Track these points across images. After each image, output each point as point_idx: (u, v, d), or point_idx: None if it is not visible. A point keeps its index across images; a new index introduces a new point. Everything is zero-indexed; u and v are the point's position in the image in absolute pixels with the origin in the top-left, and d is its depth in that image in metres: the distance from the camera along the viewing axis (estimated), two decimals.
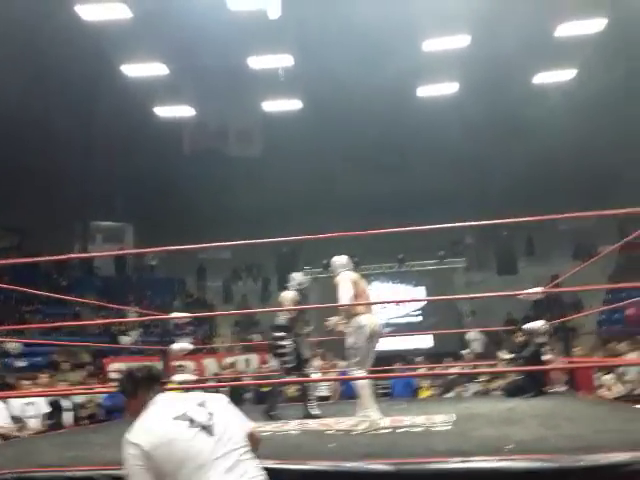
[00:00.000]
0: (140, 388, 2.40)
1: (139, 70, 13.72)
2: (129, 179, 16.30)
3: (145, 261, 18.72)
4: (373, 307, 5.22)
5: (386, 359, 9.27)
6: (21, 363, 10.68)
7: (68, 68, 12.62)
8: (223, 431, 2.25)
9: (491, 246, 17.16)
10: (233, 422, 2.33)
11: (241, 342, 12.95)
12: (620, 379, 7.96)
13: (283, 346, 5.76)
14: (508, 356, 7.29)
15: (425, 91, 14.97)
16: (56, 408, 7.39)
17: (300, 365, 5.83)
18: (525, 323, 7.18)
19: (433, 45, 13.16)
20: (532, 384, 6.43)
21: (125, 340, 13.03)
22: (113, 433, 2.27)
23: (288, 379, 5.94)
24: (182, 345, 6.86)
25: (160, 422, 2.25)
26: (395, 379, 9.27)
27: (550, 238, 15.92)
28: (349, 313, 4.87)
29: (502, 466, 2.92)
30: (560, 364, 7.07)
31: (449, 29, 12.68)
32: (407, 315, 15.42)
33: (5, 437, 6.07)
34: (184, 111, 15.72)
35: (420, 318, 15.30)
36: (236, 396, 8.46)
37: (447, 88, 14.85)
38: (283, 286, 6.10)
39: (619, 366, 8.02)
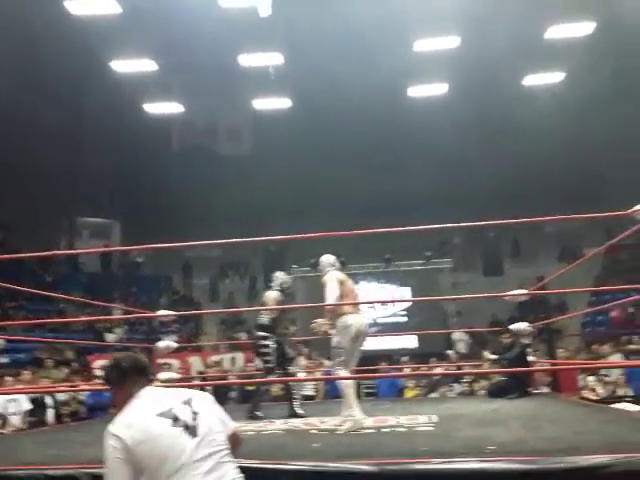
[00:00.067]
0: (126, 379, 2.36)
1: (128, 66, 13.64)
2: (117, 175, 16.22)
3: (131, 258, 18.62)
4: (360, 307, 5.23)
5: (372, 359, 9.31)
6: (3, 359, 10.57)
7: (56, 63, 12.52)
8: (206, 432, 2.23)
9: (477, 247, 17.25)
10: (216, 423, 2.31)
11: (227, 340, 12.91)
12: (603, 381, 8.04)
13: (266, 345, 5.76)
14: (492, 356, 7.32)
15: (415, 91, 15.02)
16: (38, 405, 7.34)
17: (283, 365, 5.83)
18: (510, 324, 7.23)
19: (423, 45, 13.21)
20: (516, 385, 6.47)
21: (110, 337, 12.95)
22: (95, 431, 2.25)
23: (272, 378, 5.93)
24: (167, 343, 6.82)
25: (144, 417, 2.22)
26: (380, 379, 9.30)
27: (536, 240, 16.04)
28: (335, 313, 4.88)
29: (483, 467, 2.94)
30: (543, 366, 7.12)
31: (440, 30, 12.73)
32: (393, 315, 15.44)
33: None
34: (173, 108, 15.65)
35: (406, 318, 15.33)
36: (221, 395, 8.45)
37: (437, 89, 14.90)
38: (268, 285, 6.09)
39: (602, 368, 8.10)
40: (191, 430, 2.21)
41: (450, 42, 13.14)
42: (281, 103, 15.33)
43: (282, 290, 5.97)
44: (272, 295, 5.91)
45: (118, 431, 2.19)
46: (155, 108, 15.48)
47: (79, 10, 11.59)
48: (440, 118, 14.31)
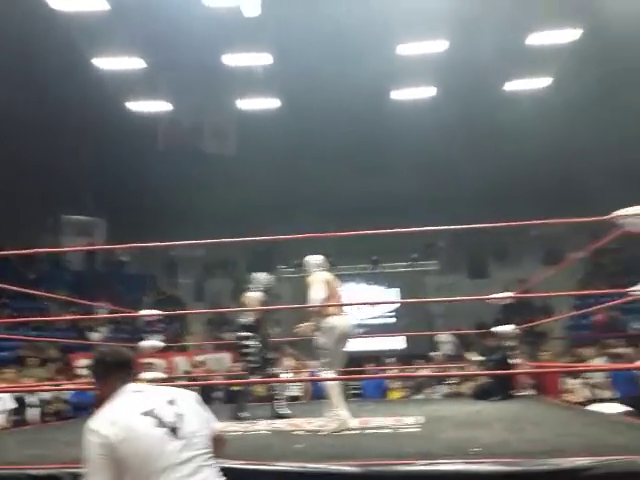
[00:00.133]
0: (110, 374, 2.34)
1: (113, 63, 13.55)
2: (102, 173, 16.07)
3: (116, 257, 18.50)
4: (344, 308, 5.24)
5: (358, 360, 9.33)
6: None
7: (40, 59, 12.36)
8: (189, 435, 2.21)
9: (463, 250, 17.34)
10: (200, 425, 2.29)
11: (212, 340, 12.87)
12: (586, 384, 8.11)
13: (248, 346, 5.76)
14: (477, 358, 7.38)
15: (402, 94, 15.06)
16: (22, 404, 7.27)
17: (265, 365, 5.82)
18: (495, 326, 7.28)
19: (411, 49, 13.25)
20: (500, 387, 6.52)
21: (94, 336, 12.86)
22: (79, 430, 2.22)
23: (258, 379, 5.93)
24: (152, 343, 6.80)
25: (127, 415, 2.19)
26: (366, 380, 9.32)
27: (521, 243, 16.14)
28: (320, 314, 4.89)
29: (467, 469, 2.96)
30: (527, 368, 7.18)
31: (427, 33, 12.78)
32: (380, 316, 15.50)
33: None
34: (159, 106, 15.55)
35: (393, 320, 15.39)
36: (206, 395, 8.42)
37: (423, 92, 14.96)
38: (248, 287, 6.08)
39: (585, 371, 8.17)
40: (174, 432, 2.18)
41: (437, 46, 13.19)
42: (267, 103, 15.30)
43: (264, 290, 5.97)
44: (255, 295, 5.91)
45: (100, 427, 2.15)
46: (140, 106, 15.36)
47: (63, 6, 11.47)
48: (427, 121, 14.36)
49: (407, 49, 13.17)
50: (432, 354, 11.27)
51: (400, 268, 15.23)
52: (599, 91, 13.49)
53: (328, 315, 4.83)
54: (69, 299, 9.37)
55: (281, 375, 8.54)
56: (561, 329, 14.33)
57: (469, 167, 15.28)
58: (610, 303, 8.28)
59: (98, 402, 2.40)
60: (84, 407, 7.50)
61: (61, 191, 16.31)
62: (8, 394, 6.83)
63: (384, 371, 9.72)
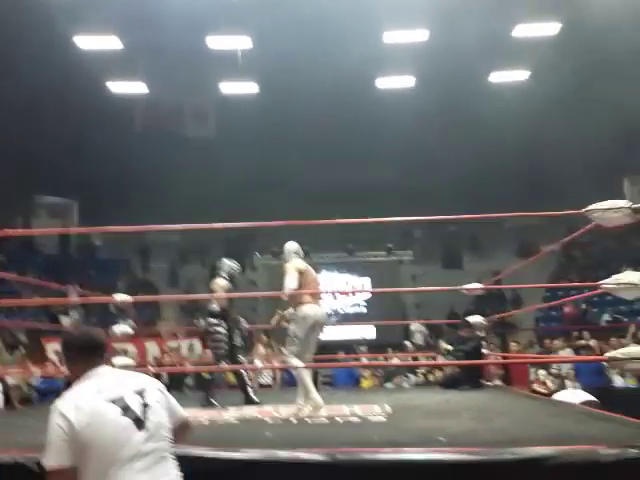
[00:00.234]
0: (80, 356, 2.30)
1: (92, 42, 13.30)
2: (77, 154, 15.81)
3: (89, 240, 18.24)
4: (319, 297, 5.24)
5: (330, 348, 9.37)
6: None
7: (16, 36, 12.11)
8: (153, 427, 2.19)
9: (438, 240, 17.48)
10: (165, 417, 2.28)
11: (185, 327, 12.80)
12: (553, 374, 8.27)
13: (217, 332, 5.74)
14: (448, 347, 7.46)
15: (383, 82, 15.06)
16: None
17: (233, 352, 5.82)
18: (466, 317, 7.36)
19: (392, 37, 13.23)
20: (469, 377, 6.60)
21: (65, 320, 12.70)
22: (45, 417, 2.20)
23: (225, 366, 5.91)
24: (123, 328, 6.73)
25: (93, 400, 2.16)
26: (337, 368, 9.36)
27: (495, 234, 16.32)
28: (294, 302, 4.89)
29: (432, 458, 3.00)
30: (497, 359, 7.28)
31: (409, 22, 12.76)
32: (354, 305, 15.57)
33: None
34: (137, 87, 15.32)
35: (365, 309, 15.48)
36: (177, 382, 8.39)
37: (404, 81, 14.97)
38: (216, 272, 6.03)
39: (553, 362, 8.32)
40: (139, 423, 2.17)
41: (419, 35, 13.20)
42: (248, 87, 15.19)
43: (230, 277, 5.94)
44: (221, 283, 5.87)
45: (66, 410, 2.13)
46: (118, 87, 15.13)
47: None
48: (406, 110, 14.39)
49: (391, 37, 13.16)
50: (404, 343, 11.35)
51: (375, 257, 15.28)
52: (577, 84, 13.66)
53: (302, 304, 4.83)
54: (40, 282, 9.22)
55: (254, 362, 8.55)
56: (531, 321, 14.55)
57: (446, 157, 15.38)
58: (580, 296, 8.43)
59: (67, 385, 2.37)
60: (52, 392, 7.41)
61: (34, 172, 16.01)
62: None
63: (357, 359, 9.77)
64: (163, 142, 15.31)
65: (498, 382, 7.36)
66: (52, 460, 2.11)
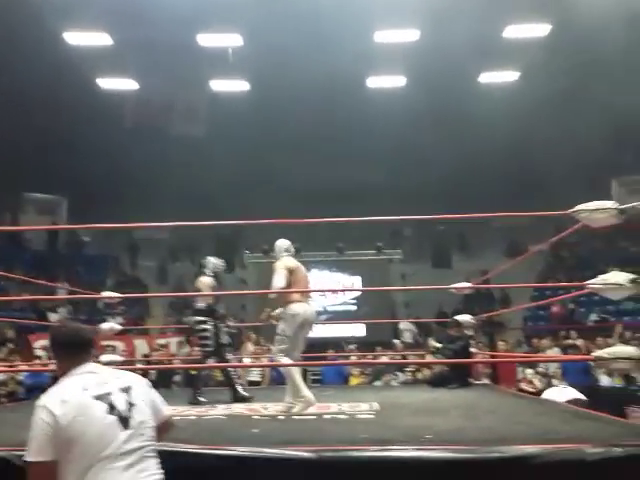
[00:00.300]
0: (67, 353, 2.30)
1: (82, 39, 13.22)
2: (66, 150, 15.70)
3: (78, 237, 18.13)
4: (309, 295, 5.23)
5: (319, 346, 9.37)
6: None
7: (5, 33, 12.01)
8: (137, 426, 2.20)
9: (427, 239, 17.53)
10: (149, 416, 2.28)
11: (174, 324, 12.77)
12: (541, 373, 8.31)
13: (204, 330, 5.74)
14: (437, 345, 7.48)
15: (373, 82, 15.08)
16: None
17: (220, 350, 5.81)
18: (455, 316, 7.39)
19: (383, 37, 13.25)
20: (457, 375, 6.63)
21: (53, 317, 12.62)
22: (31, 413, 2.19)
23: (213, 364, 5.91)
24: (111, 325, 6.71)
25: (79, 396, 2.16)
26: (326, 366, 9.37)
27: (484, 234, 16.39)
28: (284, 300, 4.88)
29: (419, 455, 3.01)
30: (485, 357, 7.31)
31: (400, 22, 12.78)
32: (343, 303, 15.58)
33: None
34: (127, 84, 15.25)
35: (355, 307, 15.49)
36: (165, 379, 8.36)
37: (394, 81, 14.99)
38: (201, 270, 6.02)
39: (540, 361, 8.37)
40: (124, 421, 2.17)
41: (409, 35, 13.22)
42: (239, 85, 15.16)
43: (214, 275, 5.93)
44: (206, 281, 5.87)
45: (51, 405, 2.12)
46: (108, 83, 15.05)
47: None
48: (396, 110, 14.42)
49: (380, 36, 13.17)
50: (394, 341, 11.38)
51: (365, 256, 15.29)
52: (566, 85, 13.73)
53: (291, 302, 4.82)
54: (28, 279, 9.16)
55: (243, 360, 8.54)
56: (519, 320, 14.63)
57: (436, 157, 15.41)
58: (567, 295, 8.48)
59: (54, 381, 2.37)
60: (39, 388, 7.36)
61: (23, 168, 15.89)
62: None
63: (345, 357, 9.78)
64: (153, 139, 15.23)
65: (486, 381, 7.40)
66: (33, 455, 2.11)
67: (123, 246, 17.81)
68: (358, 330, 14.22)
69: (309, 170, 15.54)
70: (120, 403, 2.21)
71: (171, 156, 15.21)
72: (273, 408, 4.91)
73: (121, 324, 8.94)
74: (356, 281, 15.70)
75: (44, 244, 17.37)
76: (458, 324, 7.01)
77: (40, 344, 9.87)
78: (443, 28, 12.39)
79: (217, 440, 3.33)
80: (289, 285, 4.84)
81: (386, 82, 14.99)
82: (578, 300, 13.24)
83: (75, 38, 13.16)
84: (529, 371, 8.24)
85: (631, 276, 3.82)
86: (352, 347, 10.91)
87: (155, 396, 2.39)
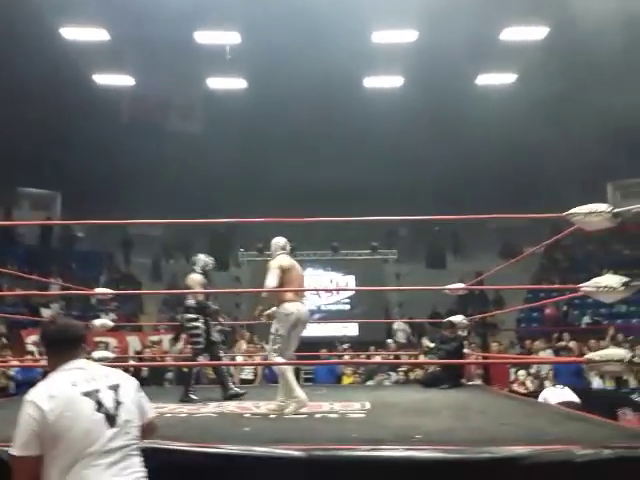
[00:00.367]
0: (58, 348, 2.30)
1: (79, 34, 13.18)
2: (62, 146, 15.66)
3: (72, 232, 18.08)
4: (303, 294, 5.20)
5: (312, 345, 9.36)
6: None
7: (2, 28, 11.96)
8: (123, 424, 2.21)
9: (422, 240, 17.54)
10: (135, 415, 2.29)
11: (167, 321, 12.75)
12: (533, 375, 8.34)
13: (195, 327, 5.72)
14: (431, 344, 7.49)
15: (371, 82, 15.08)
16: None
17: (211, 347, 5.80)
18: (448, 316, 7.40)
19: (381, 37, 13.25)
20: (449, 376, 6.63)
21: (46, 313, 12.58)
22: (20, 407, 2.19)
23: (204, 362, 5.89)
24: (103, 321, 6.69)
25: (68, 391, 2.17)
26: (319, 365, 9.37)
27: (479, 235, 16.41)
28: (277, 299, 4.85)
29: (408, 455, 3.00)
30: (478, 358, 7.32)
31: (397, 22, 12.78)
32: (337, 303, 15.58)
33: None
34: (124, 80, 15.21)
35: (348, 306, 15.50)
36: (157, 376, 8.35)
37: (391, 81, 15.01)
38: (192, 268, 6.01)
39: (532, 363, 8.39)
40: (110, 419, 2.18)
41: (407, 36, 13.23)
42: (235, 83, 15.14)
43: (204, 272, 5.91)
44: (196, 278, 5.85)
45: (39, 400, 2.13)
46: (105, 79, 15.02)
47: None
48: (393, 110, 14.43)
49: (377, 37, 13.18)
50: (387, 341, 11.39)
51: (360, 255, 15.30)
52: (563, 87, 13.77)
53: (284, 301, 4.78)
54: (21, 274, 9.13)
55: (236, 358, 8.53)
56: (513, 321, 14.66)
57: (433, 157, 15.44)
58: (560, 298, 8.50)
59: (44, 377, 2.37)
60: (30, 384, 7.34)
61: (18, 162, 15.84)
62: None
63: (338, 357, 9.78)
64: (149, 135, 15.20)
65: (478, 382, 7.41)
66: (19, 449, 2.11)
67: (117, 242, 17.76)
68: (352, 329, 14.23)
69: (305, 169, 15.55)
70: (108, 401, 2.21)
71: (167, 153, 15.19)
72: (265, 407, 4.90)
73: (114, 320, 8.93)
74: (350, 280, 15.71)
75: (37, 239, 17.31)
76: (452, 325, 7.01)
77: (32, 339, 9.84)
78: (441, 29, 12.41)
79: (207, 438, 3.32)
80: (283, 284, 4.81)
81: (383, 82, 15.01)
82: (571, 302, 13.29)
83: (72, 33, 13.13)
84: (521, 372, 8.26)
85: (624, 279, 3.82)
86: (345, 346, 10.92)
87: (142, 397, 2.39)
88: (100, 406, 2.17)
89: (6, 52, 12.74)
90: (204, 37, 13.42)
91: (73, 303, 13.77)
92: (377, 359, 9.11)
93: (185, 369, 5.92)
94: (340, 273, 15.85)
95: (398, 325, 12.89)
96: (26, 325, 10.80)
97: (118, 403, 2.23)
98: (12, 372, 8.19)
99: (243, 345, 9.61)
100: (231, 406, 5.11)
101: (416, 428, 3.66)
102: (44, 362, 2.41)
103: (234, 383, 6.06)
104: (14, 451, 2.12)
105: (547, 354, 9.13)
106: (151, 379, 8.06)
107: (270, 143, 15.77)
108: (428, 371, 7.72)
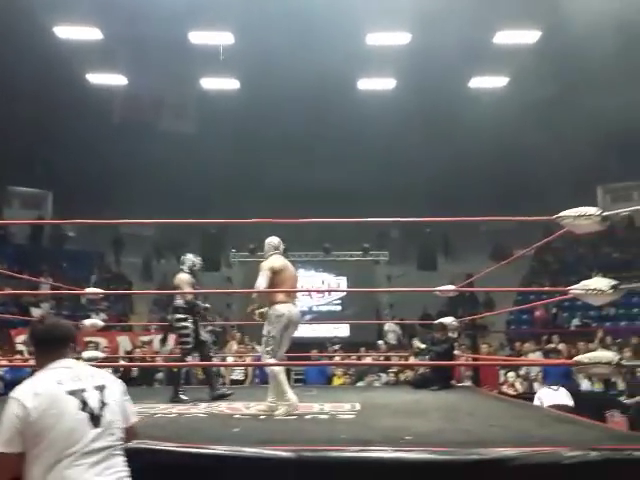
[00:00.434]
0: (46, 348, 2.31)
1: (72, 33, 13.13)
2: (53, 145, 15.59)
3: (62, 231, 17.99)
4: (295, 295, 5.19)
5: (303, 346, 9.35)
6: None
7: None
8: (107, 425, 2.22)
9: (414, 242, 17.58)
10: (119, 417, 2.30)
11: (158, 321, 12.71)
12: (522, 377, 8.38)
13: (185, 327, 5.71)
14: (422, 345, 7.51)
15: (364, 84, 15.12)
16: None
17: (199, 347, 5.79)
18: (439, 318, 7.43)
19: (374, 39, 13.29)
20: (439, 377, 6.65)
21: (36, 312, 12.50)
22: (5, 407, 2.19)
23: (194, 362, 5.88)
24: (93, 321, 6.66)
25: (53, 389, 2.17)
26: (309, 366, 9.37)
27: (470, 237, 16.47)
28: (268, 301, 4.83)
29: (397, 456, 3.01)
30: (468, 360, 7.35)
31: (391, 25, 12.82)
32: (328, 304, 15.59)
33: None
34: (117, 80, 15.16)
35: (340, 307, 15.51)
36: (147, 376, 8.33)
37: (384, 83, 15.05)
38: (180, 268, 5.99)
39: (522, 365, 8.43)
40: (95, 419, 2.19)
41: (400, 38, 13.27)
42: (229, 84, 15.13)
43: (191, 272, 5.90)
44: (184, 278, 5.84)
45: (23, 397, 2.13)
46: (97, 78, 14.97)
47: None
48: (386, 112, 14.47)
49: (373, 39, 13.21)
50: (378, 342, 11.41)
51: (351, 257, 15.32)
52: (555, 91, 13.85)
53: (276, 303, 4.77)
54: (10, 273, 9.07)
55: (227, 358, 8.51)
56: (502, 323, 14.72)
57: (425, 159, 15.49)
58: (550, 300, 8.54)
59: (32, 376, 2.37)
60: (18, 383, 7.30)
61: (9, 161, 15.75)
62: None
63: (328, 358, 9.78)
64: (141, 135, 15.16)
65: (468, 383, 7.43)
66: (1, 446, 2.11)
67: (108, 242, 17.69)
68: (342, 331, 14.24)
69: (298, 170, 15.55)
70: (93, 401, 2.21)
71: (159, 152, 15.15)
72: (255, 407, 4.90)
73: (104, 320, 8.89)
74: (342, 281, 15.72)
75: (28, 238, 17.22)
76: (443, 327, 7.03)
77: (22, 339, 9.78)
78: (434, 32, 12.47)
79: (196, 439, 3.32)
80: (274, 286, 4.79)
81: (376, 84, 15.04)
82: (561, 305, 13.36)
83: (65, 32, 13.07)
84: (511, 374, 8.30)
85: (612, 282, 3.85)
86: (336, 347, 10.92)
87: (127, 400, 2.41)
88: (85, 405, 2.18)
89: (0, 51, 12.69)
90: (198, 37, 13.42)
91: (63, 303, 13.70)
92: (367, 360, 9.12)
93: (175, 369, 5.89)
94: (331, 274, 15.85)
95: (389, 326, 12.91)
96: (16, 325, 10.73)
97: (103, 404, 2.24)
98: (1, 372, 8.15)
99: (234, 346, 9.59)
100: (221, 407, 5.10)
101: (405, 429, 3.67)
102: (33, 362, 2.42)
103: (224, 384, 6.04)
104: None
105: (536, 356, 9.19)
106: (141, 379, 8.05)
107: (263, 144, 15.76)
108: (418, 372, 7.74)
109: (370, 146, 15.51)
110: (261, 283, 4.74)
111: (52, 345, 2.32)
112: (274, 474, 3.00)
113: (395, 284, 14.40)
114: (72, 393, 2.18)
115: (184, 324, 5.70)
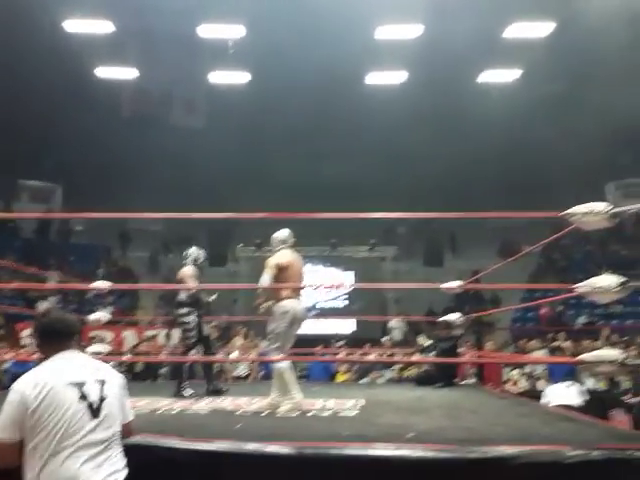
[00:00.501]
0: (50, 340, 2.35)
1: (82, 26, 13.15)
2: (62, 138, 15.63)
3: (70, 225, 18.05)
4: (300, 291, 5.14)
5: (309, 341, 9.33)
6: None
7: (5, 19, 11.93)
8: (104, 418, 2.24)
9: (421, 238, 17.53)
10: (118, 411, 2.32)
11: (164, 316, 12.73)
12: (526, 375, 8.34)
13: (187, 322, 5.71)
14: (427, 342, 7.49)
15: (374, 78, 15.05)
16: None
17: (203, 342, 5.79)
18: (444, 314, 7.40)
19: (386, 32, 13.22)
20: (443, 375, 6.64)
21: (42, 306, 12.56)
22: None
23: (196, 357, 5.88)
24: (99, 315, 6.67)
25: (53, 380, 2.20)
26: (313, 362, 9.35)
27: (478, 233, 16.38)
28: (274, 296, 4.80)
29: (399, 454, 3.00)
30: (471, 357, 7.32)
31: (403, 17, 12.76)
32: (334, 299, 15.59)
33: None
34: (126, 73, 15.17)
35: (346, 303, 15.50)
36: (151, 371, 8.35)
37: (395, 77, 14.97)
38: (183, 262, 5.99)
39: (526, 363, 8.39)
40: (94, 412, 2.21)
41: (412, 31, 13.20)
42: (238, 77, 15.12)
43: (196, 265, 5.90)
44: (189, 271, 5.83)
45: (24, 387, 2.17)
46: (107, 72, 14.98)
47: None
48: (395, 106, 14.41)
49: (385, 32, 13.14)
50: (383, 339, 11.37)
51: (358, 252, 15.30)
52: (565, 85, 13.73)
53: (282, 298, 4.74)
54: (18, 266, 9.10)
55: (231, 354, 8.52)
56: (508, 321, 14.65)
57: (433, 154, 15.41)
58: (556, 297, 8.48)
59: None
60: None
61: (18, 154, 15.81)
62: None
63: (333, 354, 9.76)
64: (151, 129, 15.18)
65: (472, 380, 7.41)
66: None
67: (115, 236, 17.74)
68: (348, 327, 14.23)
69: (306, 164, 15.53)
70: (93, 393, 2.24)
71: (168, 146, 15.17)
72: (258, 403, 4.89)
73: (110, 315, 8.88)
74: (349, 277, 15.71)
75: (36, 232, 17.29)
76: (448, 324, 7.01)
77: (27, 333, 9.82)
78: (445, 25, 12.40)
79: (199, 434, 3.32)
80: (279, 282, 4.75)
81: (386, 78, 14.97)
82: (567, 302, 13.28)
83: (75, 26, 13.09)
84: (514, 372, 8.26)
85: (619, 280, 3.81)
86: (340, 343, 10.88)
87: (126, 396, 2.43)
88: (84, 397, 2.21)
89: (9, 44, 12.71)
90: (207, 31, 13.40)
91: (70, 297, 13.75)
92: (372, 357, 9.10)
93: (178, 364, 5.90)
94: (338, 269, 15.85)
95: (395, 323, 12.88)
96: (22, 318, 10.78)
97: (102, 397, 2.26)
98: (6, 365, 8.18)
99: (239, 341, 9.59)
100: (224, 403, 5.11)
101: (408, 427, 3.66)
102: (38, 355, 2.46)
103: (226, 380, 6.04)
104: None
105: (542, 354, 9.13)
106: (145, 374, 8.07)
107: (271, 138, 15.74)
108: (422, 369, 7.72)
109: (379, 140, 15.45)
110: (265, 280, 4.72)
111: (56, 338, 2.35)
112: (276, 471, 3.00)
113: (401, 280, 14.37)
114: (72, 385, 2.21)
115: (186, 319, 5.71)
